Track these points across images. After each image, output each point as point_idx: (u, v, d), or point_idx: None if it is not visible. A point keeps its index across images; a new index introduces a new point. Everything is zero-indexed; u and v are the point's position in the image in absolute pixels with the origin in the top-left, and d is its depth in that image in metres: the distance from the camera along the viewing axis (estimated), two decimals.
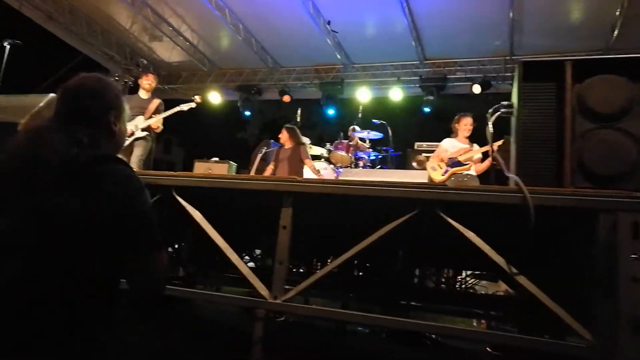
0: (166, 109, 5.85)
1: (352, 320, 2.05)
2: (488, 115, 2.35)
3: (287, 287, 2.17)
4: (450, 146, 5.37)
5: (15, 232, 1.19)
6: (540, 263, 2.53)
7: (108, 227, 1.25)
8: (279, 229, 2.23)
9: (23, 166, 1.28)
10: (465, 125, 5.34)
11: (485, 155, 5.18)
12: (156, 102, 5.80)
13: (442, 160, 5.29)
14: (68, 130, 1.38)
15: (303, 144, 6.42)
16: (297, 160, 6.18)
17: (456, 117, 5.48)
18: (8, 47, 5.94)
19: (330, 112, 9.69)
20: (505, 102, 2.36)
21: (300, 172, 6.26)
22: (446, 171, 5.18)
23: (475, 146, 5.36)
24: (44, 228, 1.19)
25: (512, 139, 2.29)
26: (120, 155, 1.45)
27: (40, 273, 1.17)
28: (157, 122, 5.67)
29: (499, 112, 2.37)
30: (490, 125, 2.30)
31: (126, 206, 1.30)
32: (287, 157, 6.19)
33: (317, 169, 6.58)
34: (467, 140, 5.40)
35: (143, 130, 5.62)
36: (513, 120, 2.27)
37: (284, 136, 6.37)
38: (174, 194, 2.48)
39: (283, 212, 2.24)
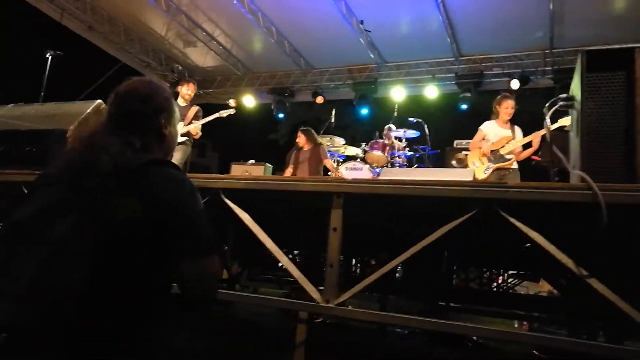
0: (203, 115, 5.93)
1: (408, 325, 1.98)
2: (545, 110, 2.24)
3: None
4: (491, 132, 5.15)
5: (74, 238, 1.19)
6: (607, 264, 2.40)
7: (162, 231, 1.24)
8: (329, 231, 2.19)
9: (79, 172, 1.28)
10: (506, 108, 5.11)
11: (527, 145, 4.96)
12: (195, 109, 5.88)
13: (484, 155, 5.10)
14: (120, 134, 1.39)
15: (321, 144, 6.46)
16: (316, 161, 6.23)
17: (498, 97, 5.28)
18: (50, 58, 6.14)
19: (364, 111, 9.60)
20: (563, 95, 2.25)
21: (320, 173, 6.28)
22: (488, 168, 5.00)
23: (517, 131, 5.12)
24: (102, 233, 1.18)
25: (573, 133, 2.17)
26: None
27: (100, 278, 1.16)
28: (196, 128, 5.75)
29: (556, 106, 2.26)
30: (548, 120, 2.19)
31: (180, 210, 1.29)
32: (307, 159, 6.25)
33: (352, 167, 6.56)
34: (508, 124, 5.17)
35: (182, 135, 5.71)
36: (574, 113, 2.16)
37: (301, 139, 6.44)
38: (222, 196, 2.48)
39: (333, 214, 2.20)
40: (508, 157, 5.02)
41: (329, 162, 6.37)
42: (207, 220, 1.34)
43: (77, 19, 8.07)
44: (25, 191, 3.04)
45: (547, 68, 8.22)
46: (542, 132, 4.76)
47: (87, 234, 1.18)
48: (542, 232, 1.90)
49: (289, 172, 6.35)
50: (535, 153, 5.03)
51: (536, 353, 5.13)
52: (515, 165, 5.06)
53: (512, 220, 1.89)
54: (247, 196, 2.59)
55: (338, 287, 2.14)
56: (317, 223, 3.91)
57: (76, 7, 7.84)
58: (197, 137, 5.89)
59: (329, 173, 6.54)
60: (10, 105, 3.55)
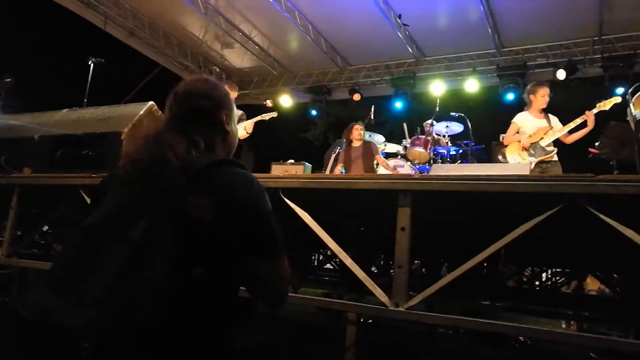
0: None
1: (487, 329, 1.87)
2: (628, 97, 2.08)
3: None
4: (526, 123, 4.87)
5: (152, 238, 1.15)
6: None
7: (234, 232, 1.21)
8: (397, 230, 2.10)
9: (150, 171, 1.25)
10: (542, 96, 4.81)
11: (579, 125, 4.69)
12: (238, 112, 5.91)
13: (523, 149, 4.85)
14: (185, 133, 1.37)
15: (369, 140, 6.29)
16: (370, 157, 6.04)
17: (530, 86, 5.00)
18: (92, 65, 6.28)
19: (399, 105, 9.42)
20: None
21: (373, 169, 6.11)
22: (530, 162, 4.75)
23: (553, 120, 4.86)
24: (178, 233, 1.15)
25: None
26: None
27: (179, 279, 1.13)
28: (249, 127, 5.81)
29: None
30: (632, 107, 2.02)
31: (251, 210, 1.25)
32: (360, 155, 6.04)
33: (393, 165, 6.42)
34: (543, 113, 4.89)
35: None
36: None
37: (357, 133, 6.18)
38: (281, 195, 2.42)
39: (400, 212, 2.11)
40: (549, 149, 4.76)
41: (381, 158, 6.18)
42: (276, 220, 1.30)
43: (119, 26, 8.24)
44: (86, 195, 3.08)
45: (596, 56, 7.85)
46: (595, 110, 4.54)
47: (164, 234, 1.15)
48: (635, 229, 1.75)
49: (338, 170, 6.18)
50: (592, 145, 4.78)
51: (593, 356, 4.89)
52: (555, 158, 4.80)
53: (602, 217, 1.75)
54: (303, 196, 2.53)
55: (408, 290, 2.04)
56: (366, 222, 3.83)
57: (118, 14, 8.02)
58: (246, 136, 5.90)
59: (377, 169, 6.36)
60: (65, 110, 3.61)
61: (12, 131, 3.59)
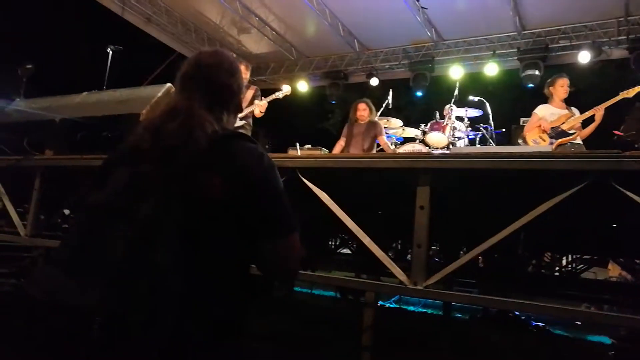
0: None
1: (503, 307, 1.84)
2: None
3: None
4: (547, 114, 4.87)
5: (161, 216, 1.14)
6: None
7: (245, 208, 1.19)
8: (416, 209, 2.08)
9: (174, 148, 1.23)
10: (562, 86, 4.85)
11: (587, 121, 4.66)
12: (252, 89, 5.83)
13: (544, 132, 4.82)
14: (212, 111, 1.36)
15: (377, 120, 6.07)
16: (371, 136, 5.79)
17: (549, 80, 5.03)
18: (111, 52, 6.33)
19: (420, 92, 9.31)
20: None
21: (374, 149, 5.92)
22: (551, 143, 4.71)
23: (575, 110, 4.84)
24: (188, 210, 1.14)
25: None
26: None
27: (188, 257, 1.12)
28: (262, 106, 5.64)
29: None
30: None
31: (262, 185, 1.24)
32: (361, 132, 5.80)
33: (412, 149, 6.31)
34: (564, 104, 4.90)
35: (241, 119, 5.69)
36: None
37: (363, 111, 5.92)
38: (299, 175, 2.41)
39: (419, 191, 2.08)
40: (570, 132, 4.72)
41: (384, 140, 5.93)
42: (287, 196, 1.29)
43: (136, 13, 8.27)
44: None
45: (621, 37, 7.60)
46: (606, 104, 4.49)
47: (172, 214, 1.14)
48: None
49: (339, 145, 6.00)
50: (618, 128, 4.69)
51: (613, 340, 4.83)
52: (579, 140, 4.74)
53: (629, 194, 1.70)
54: (321, 176, 2.52)
55: (427, 269, 2.02)
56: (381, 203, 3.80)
57: (136, 0, 8.05)
58: (259, 115, 5.82)
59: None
60: (84, 93, 3.65)
61: (34, 114, 3.65)
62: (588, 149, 4.75)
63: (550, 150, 4.49)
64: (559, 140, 4.72)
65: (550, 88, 4.96)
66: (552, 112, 4.88)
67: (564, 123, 4.76)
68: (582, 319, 1.87)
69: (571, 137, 4.71)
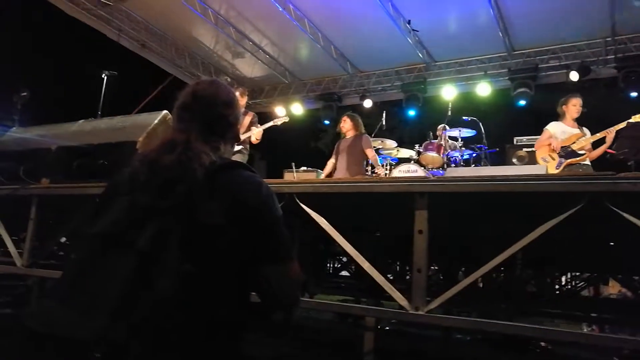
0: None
1: (506, 332, 1.84)
2: None
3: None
4: (559, 131, 4.93)
5: (161, 245, 1.14)
6: None
7: (244, 236, 1.20)
8: (414, 233, 2.08)
9: (172, 178, 1.24)
10: (574, 105, 4.93)
11: (598, 142, 4.74)
12: (250, 115, 5.88)
13: (553, 150, 4.88)
14: (209, 142, 1.37)
15: (364, 133, 5.95)
16: (358, 150, 5.72)
17: (563, 99, 5.10)
18: (105, 78, 6.36)
19: (411, 113, 9.40)
20: None
21: (361, 163, 5.87)
22: (560, 163, 4.76)
23: (586, 130, 4.92)
24: (184, 244, 1.14)
25: None
26: None
27: (188, 286, 1.12)
28: (258, 134, 5.66)
29: None
30: None
31: (258, 213, 1.25)
32: (347, 147, 5.75)
33: (407, 170, 6.32)
34: (576, 124, 4.97)
35: (238, 144, 5.72)
36: None
37: (346, 124, 5.90)
38: (297, 200, 2.42)
39: (417, 215, 2.09)
40: (580, 152, 4.77)
41: (372, 153, 5.82)
42: (285, 225, 1.30)
43: (131, 39, 8.38)
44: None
45: (609, 57, 7.76)
46: (618, 127, 4.57)
47: (173, 243, 1.14)
48: None
49: (330, 163, 5.95)
50: (610, 146, 4.77)
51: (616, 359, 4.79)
52: (588, 162, 4.80)
53: (625, 215, 1.72)
54: (318, 201, 2.53)
55: (427, 294, 2.02)
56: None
57: (132, 27, 8.15)
58: (255, 142, 5.85)
59: (368, 166, 6.10)
60: (81, 121, 3.66)
61: (30, 143, 3.65)
62: (596, 170, 4.83)
63: (545, 169, 4.56)
64: (568, 161, 4.80)
65: (563, 107, 5.03)
66: (563, 130, 4.94)
67: (574, 143, 4.84)
68: (584, 341, 1.87)
69: (580, 157, 4.79)
